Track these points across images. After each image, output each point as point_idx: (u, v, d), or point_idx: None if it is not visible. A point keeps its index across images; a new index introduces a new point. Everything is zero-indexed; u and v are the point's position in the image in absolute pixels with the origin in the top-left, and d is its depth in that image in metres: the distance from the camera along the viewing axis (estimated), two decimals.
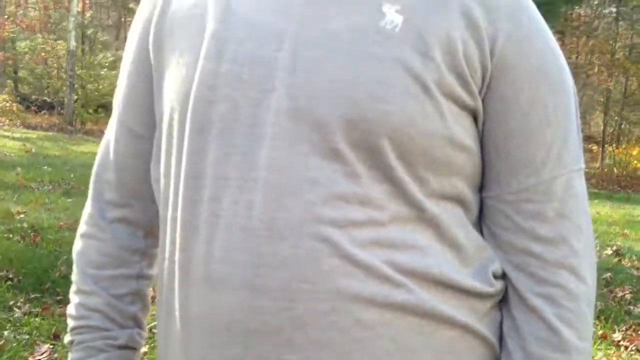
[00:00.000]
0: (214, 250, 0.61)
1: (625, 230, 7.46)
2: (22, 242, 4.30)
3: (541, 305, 0.65)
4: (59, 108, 18.62)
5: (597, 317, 3.96)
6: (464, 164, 0.65)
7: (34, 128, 15.81)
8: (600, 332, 3.71)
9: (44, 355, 2.85)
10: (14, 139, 11.79)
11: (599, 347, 3.46)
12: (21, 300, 3.39)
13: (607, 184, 18.80)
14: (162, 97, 0.70)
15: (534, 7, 0.68)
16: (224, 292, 0.61)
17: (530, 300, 0.66)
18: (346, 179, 0.60)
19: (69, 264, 3.89)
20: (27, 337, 2.99)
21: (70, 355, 0.78)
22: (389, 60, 0.61)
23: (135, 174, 0.77)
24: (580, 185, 0.68)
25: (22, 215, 5.02)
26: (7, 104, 17.00)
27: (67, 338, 0.79)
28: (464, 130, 0.63)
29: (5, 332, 3.00)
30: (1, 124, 15.94)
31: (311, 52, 0.62)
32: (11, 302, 3.33)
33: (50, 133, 14.76)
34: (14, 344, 2.89)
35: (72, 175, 7.34)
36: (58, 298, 3.49)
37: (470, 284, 0.65)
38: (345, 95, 0.60)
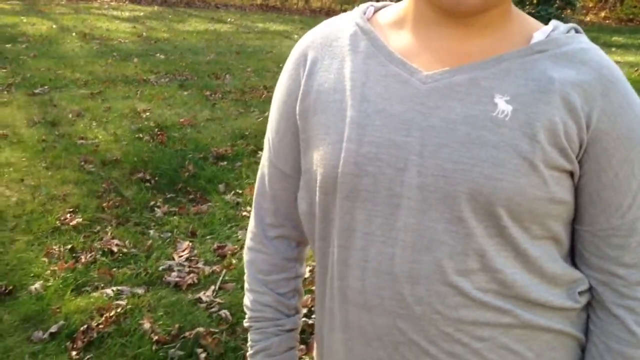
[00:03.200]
0: (366, 286, 0.81)
1: None
2: (152, 142, 4.73)
3: (623, 314, 0.81)
4: None
5: None
6: (561, 213, 0.79)
7: (138, 2, 16.27)
8: None
9: (185, 251, 3.29)
10: (123, 19, 12.29)
11: None
12: (160, 200, 3.84)
13: None
14: (311, 159, 0.86)
15: (623, 81, 0.78)
16: (376, 315, 0.81)
17: (613, 310, 0.82)
18: (466, 238, 0.76)
19: (194, 162, 4.31)
20: (169, 235, 3.45)
21: (250, 336, 1.03)
22: (502, 145, 0.74)
23: (287, 203, 0.97)
24: None
25: (147, 114, 5.44)
26: None
27: (245, 323, 1.04)
28: (562, 189, 0.77)
29: (151, 231, 3.47)
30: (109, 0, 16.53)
31: (435, 139, 0.76)
32: (151, 203, 3.80)
33: (155, 8, 15.17)
34: (159, 243, 3.35)
35: (183, 64, 7.69)
36: (190, 197, 3.92)
37: (560, 303, 0.82)
38: (466, 175, 0.74)
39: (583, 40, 0.79)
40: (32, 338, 2.53)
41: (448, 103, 0.76)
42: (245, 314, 1.04)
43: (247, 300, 1.03)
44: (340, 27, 0.87)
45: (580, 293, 0.83)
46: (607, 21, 16.40)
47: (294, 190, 0.94)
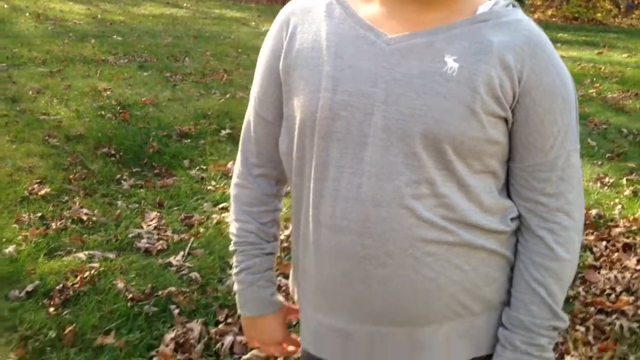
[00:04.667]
0: (336, 211, 0.98)
1: None
2: (114, 119, 4.80)
3: (545, 235, 1.01)
4: None
5: None
6: (497, 152, 0.98)
7: None
8: None
9: (154, 220, 3.41)
10: (76, 1, 12.07)
11: None
12: (126, 174, 3.94)
13: None
14: (292, 107, 1.02)
15: (549, 46, 0.97)
16: (344, 235, 0.98)
17: (537, 231, 1.01)
18: (419, 169, 0.94)
19: (158, 139, 4.42)
20: (136, 206, 3.56)
21: (235, 258, 1.18)
22: (449, 95, 0.92)
23: (269, 147, 1.13)
24: (576, 159, 1.00)
25: (108, 92, 5.48)
26: None
27: (231, 248, 1.18)
28: (497, 132, 0.95)
29: (119, 202, 3.57)
30: None
31: (397, 90, 0.93)
32: (118, 176, 3.89)
33: None
34: (127, 212, 3.46)
35: (141, 46, 7.69)
36: (155, 171, 4.03)
37: (495, 227, 1.01)
38: (420, 119, 0.92)
39: (518, 13, 0.97)
40: (9, 296, 2.62)
41: (408, 61, 0.93)
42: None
43: (232, 228, 1.18)
44: None
45: (511, 219, 1.02)
46: (554, 19, 17.05)
47: (275, 135, 1.10)
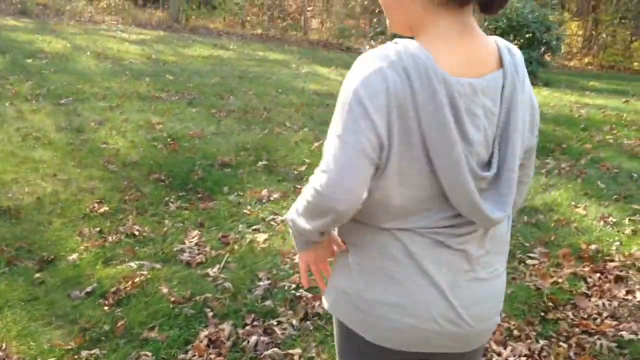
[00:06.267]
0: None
1: None
2: (165, 149, 5.36)
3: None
4: (164, 5, 19.74)
5: None
6: None
7: (144, 26, 17.01)
8: None
9: (195, 238, 3.88)
10: (132, 42, 12.98)
11: None
12: (173, 197, 4.46)
13: None
14: None
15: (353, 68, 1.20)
16: None
17: None
18: None
19: (202, 168, 5.00)
20: (181, 224, 4.05)
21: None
22: None
23: None
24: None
25: (160, 126, 6.08)
26: (119, 1, 18.37)
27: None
28: None
29: (166, 221, 4.07)
30: (115, 22, 17.27)
31: None
32: (166, 199, 4.41)
33: (161, 33, 15.89)
34: (172, 230, 3.95)
35: (191, 85, 8.35)
36: (199, 196, 4.54)
37: None
38: None
39: None
40: (71, 296, 3.11)
41: None
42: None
43: None
44: None
45: None
46: (590, 67, 17.27)
47: None
